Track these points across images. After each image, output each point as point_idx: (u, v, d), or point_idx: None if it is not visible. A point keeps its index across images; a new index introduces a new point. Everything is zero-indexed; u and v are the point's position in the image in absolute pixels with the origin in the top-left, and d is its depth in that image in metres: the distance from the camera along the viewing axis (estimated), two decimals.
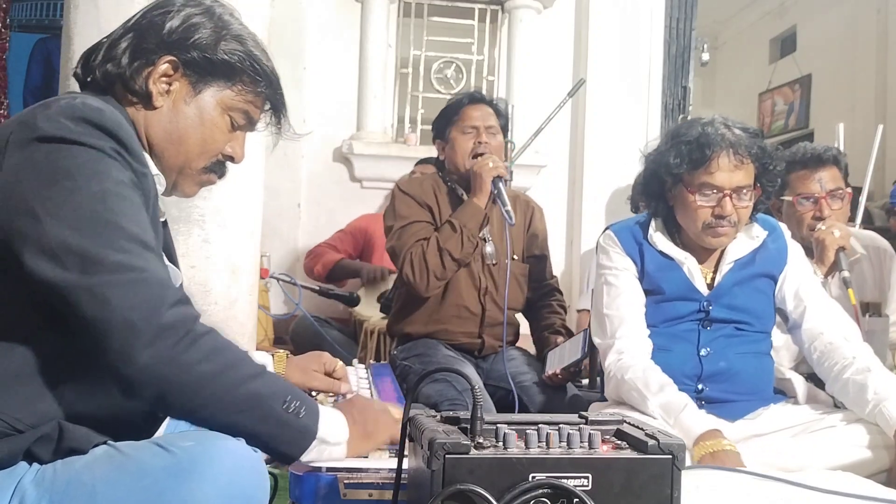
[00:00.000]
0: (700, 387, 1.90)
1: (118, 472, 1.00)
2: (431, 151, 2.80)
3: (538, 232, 2.76)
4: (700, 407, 1.86)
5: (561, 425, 1.04)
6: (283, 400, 1.13)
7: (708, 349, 1.92)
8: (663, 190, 1.97)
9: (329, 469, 1.18)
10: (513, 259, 2.58)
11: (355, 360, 1.89)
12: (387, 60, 4.37)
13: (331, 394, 1.59)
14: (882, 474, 1.69)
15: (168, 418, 1.26)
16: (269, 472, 1.09)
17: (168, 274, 1.12)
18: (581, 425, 1.06)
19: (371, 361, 2.32)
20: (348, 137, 4.26)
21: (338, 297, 3.59)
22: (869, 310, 2.23)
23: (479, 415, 1.03)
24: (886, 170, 6.32)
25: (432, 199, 2.58)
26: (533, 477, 0.97)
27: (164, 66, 1.22)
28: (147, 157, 1.22)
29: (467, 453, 0.97)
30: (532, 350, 2.75)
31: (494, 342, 2.57)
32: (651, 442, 1.00)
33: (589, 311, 3.27)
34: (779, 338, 2.09)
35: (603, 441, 1.04)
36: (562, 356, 2.44)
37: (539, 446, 1.00)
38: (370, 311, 3.46)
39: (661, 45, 4.49)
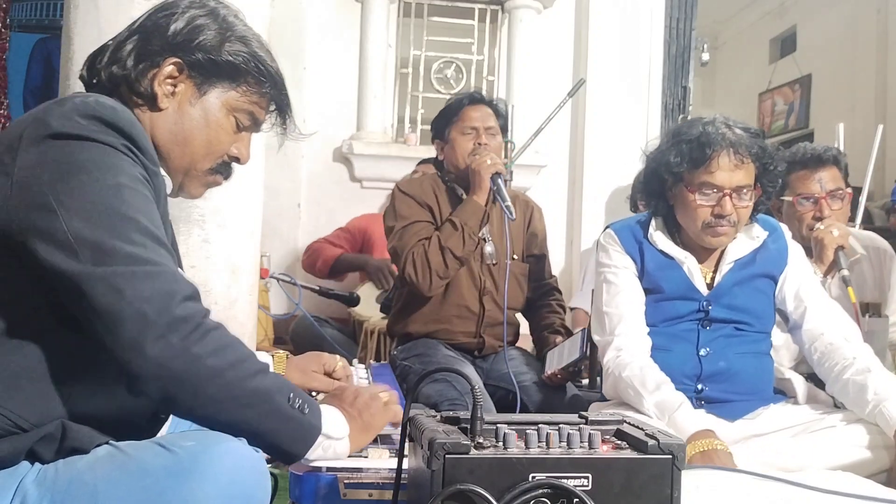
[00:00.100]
0: (700, 387, 1.90)
1: (119, 471, 1.00)
2: (431, 151, 2.80)
3: (538, 231, 2.76)
4: (700, 407, 1.86)
5: (561, 425, 1.05)
6: (288, 396, 1.13)
7: (707, 349, 1.92)
8: (664, 189, 1.97)
9: (329, 469, 1.19)
10: (512, 259, 2.58)
11: (355, 360, 1.89)
12: (387, 60, 4.37)
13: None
14: (882, 474, 1.70)
15: (170, 419, 1.27)
16: (270, 472, 1.09)
17: (178, 268, 1.13)
18: (581, 425, 1.06)
19: (371, 361, 2.33)
20: (348, 137, 4.26)
21: (338, 297, 3.59)
22: (869, 310, 2.24)
23: (479, 415, 1.03)
24: (886, 170, 6.32)
25: (432, 199, 2.58)
26: (533, 477, 0.97)
27: (169, 67, 1.23)
28: (156, 157, 1.22)
29: (467, 453, 0.97)
30: (532, 350, 2.75)
31: (494, 342, 2.57)
32: (651, 442, 1.00)
33: (583, 309, 3.28)
34: (779, 338, 2.09)
35: (603, 441, 1.04)
36: (561, 356, 2.44)
37: (539, 446, 1.01)
38: (370, 311, 3.46)
39: (661, 45, 4.49)
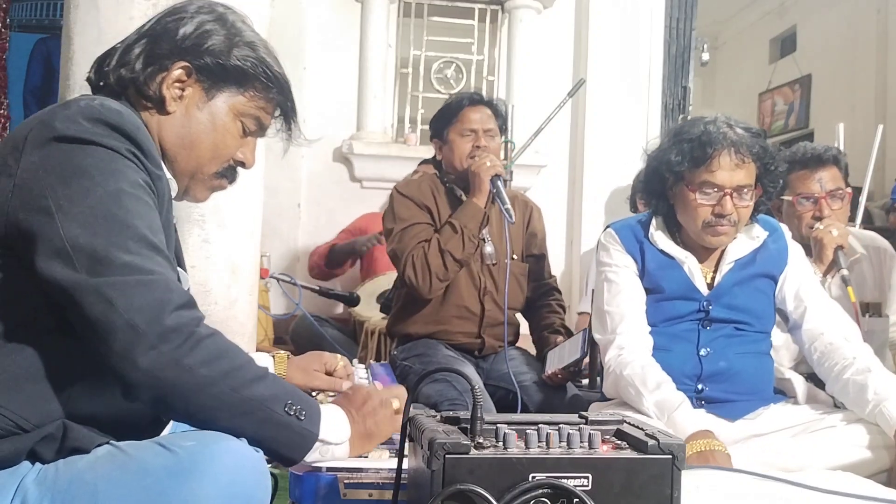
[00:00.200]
0: (700, 387, 1.90)
1: (120, 471, 1.00)
2: (431, 151, 2.80)
3: (537, 231, 2.76)
4: (700, 407, 1.86)
5: (561, 425, 1.04)
6: (285, 403, 1.13)
7: (708, 349, 1.92)
8: (664, 188, 1.97)
9: (329, 469, 1.19)
10: (512, 259, 2.58)
11: (355, 360, 1.89)
12: (387, 60, 4.37)
13: (331, 393, 1.59)
14: (882, 474, 1.70)
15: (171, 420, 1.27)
16: (270, 472, 1.09)
17: (176, 277, 1.13)
18: (581, 425, 1.06)
19: (371, 361, 2.33)
20: (348, 137, 4.26)
21: (338, 297, 3.59)
22: (869, 310, 2.24)
23: (479, 415, 1.03)
24: (886, 170, 6.32)
25: (431, 201, 2.58)
26: (533, 477, 0.97)
27: (177, 71, 1.24)
28: (161, 161, 1.22)
29: (467, 453, 0.97)
30: (532, 350, 2.76)
31: (494, 342, 2.57)
32: (651, 442, 1.00)
33: (589, 314, 3.29)
34: (779, 338, 2.09)
35: (603, 441, 1.04)
36: (561, 356, 2.44)
37: (539, 446, 1.01)
38: (370, 311, 3.46)
39: (661, 45, 4.49)
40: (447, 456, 0.96)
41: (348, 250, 3.82)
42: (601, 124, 4.37)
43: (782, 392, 2.00)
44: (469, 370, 2.41)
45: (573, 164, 4.50)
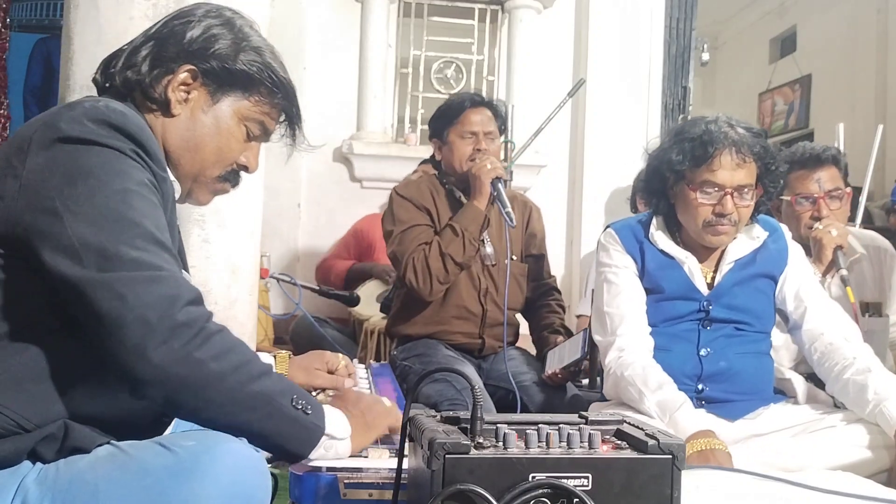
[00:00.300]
0: (700, 387, 1.90)
1: (120, 471, 1.00)
2: (431, 151, 2.79)
3: (536, 231, 2.76)
4: (700, 407, 1.86)
5: (561, 425, 1.04)
6: (291, 398, 1.14)
7: (708, 349, 1.92)
8: (665, 187, 1.97)
9: (329, 469, 1.19)
10: (511, 259, 2.58)
11: (355, 360, 1.89)
12: (387, 60, 4.37)
13: (330, 394, 1.59)
14: (882, 474, 1.70)
15: (174, 421, 1.27)
16: (270, 472, 1.09)
17: (182, 274, 1.13)
18: (581, 425, 1.06)
19: (371, 361, 2.33)
20: (348, 137, 4.26)
21: (337, 297, 3.59)
22: (869, 310, 2.23)
23: (479, 415, 1.03)
24: (886, 170, 6.32)
25: (430, 202, 2.58)
26: (533, 477, 0.97)
27: (183, 74, 1.24)
28: (165, 162, 1.23)
29: (467, 453, 0.97)
30: (532, 350, 2.75)
31: (495, 342, 2.57)
32: (651, 442, 1.00)
33: (588, 316, 3.29)
34: (779, 338, 2.09)
35: (603, 441, 1.04)
36: (561, 356, 2.44)
37: (539, 446, 1.01)
38: (370, 311, 3.46)
39: (661, 45, 4.49)
40: (447, 456, 0.96)
41: (366, 273, 3.80)
42: (601, 124, 4.36)
43: (782, 392, 2.00)
44: (469, 370, 2.41)
45: (573, 164, 4.50)
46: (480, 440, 1.02)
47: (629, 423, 1.10)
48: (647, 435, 1.03)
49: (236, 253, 2.26)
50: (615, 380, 1.88)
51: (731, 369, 1.91)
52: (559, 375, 2.40)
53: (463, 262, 2.45)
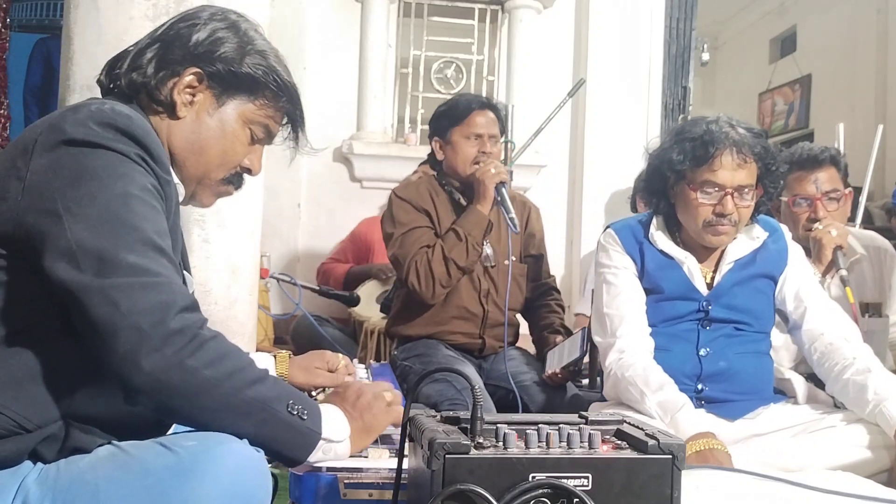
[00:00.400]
0: (700, 387, 1.90)
1: (121, 471, 1.00)
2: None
3: (535, 231, 2.76)
4: (700, 407, 1.86)
5: (561, 425, 1.05)
6: (287, 403, 1.13)
7: (707, 349, 1.92)
8: (665, 187, 1.97)
9: (329, 469, 1.19)
10: (511, 260, 2.58)
11: (355, 360, 1.89)
12: (387, 60, 4.37)
13: (331, 392, 1.59)
14: (882, 474, 1.70)
15: None
16: (270, 472, 1.09)
17: (180, 280, 1.13)
18: (581, 425, 1.06)
19: (371, 361, 2.33)
20: (348, 137, 4.26)
21: (338, 297, 3.59)
22: (869, 310, 2.23)
23: (479, 415, 1.04)
24: (886, 170, 6.32)
25: (429, 204, 2.57)
26: (533, 477, 0.97)
27: (189, 77, 1.25)
28: (170, 165, 1.23)
29: (467, 453, 0.97)
30: (532, 350, 2.75)
31: (495, 343, 2.57)
32: (651, 442, 1.00)
33: (585, 315, 3.29)
34: (779, 338, 2.09)
35: (603, 441, 1.04)
36: (561, 355, 2.44)
37: (539, 446, 1.01)
38: (370, 311, 3.46)
39: (661, 45, 4.49)
40: (447, 456, 0.96)
41: (364, 274, 3.80)
42: (601, 124, 4.36)
43: (782, 392, 2.00)
44: (469, 370, 2.42)
45: (573, 164, 4.50)
46: (480, 440, 1.02)
47: (629, 423, 1.10)
48: (647, 435, 1.03)
49: (236, 253, 2.26)
50: (615, 381, 1.88)
51: (731, 369, 1.91)
52: (559, 375, 2.40)
53: (466, 267, 2.46)
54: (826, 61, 7.78)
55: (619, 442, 1.06)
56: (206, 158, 1.28)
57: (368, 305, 3.50)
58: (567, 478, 0.97)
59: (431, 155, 2.72)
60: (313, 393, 1.60)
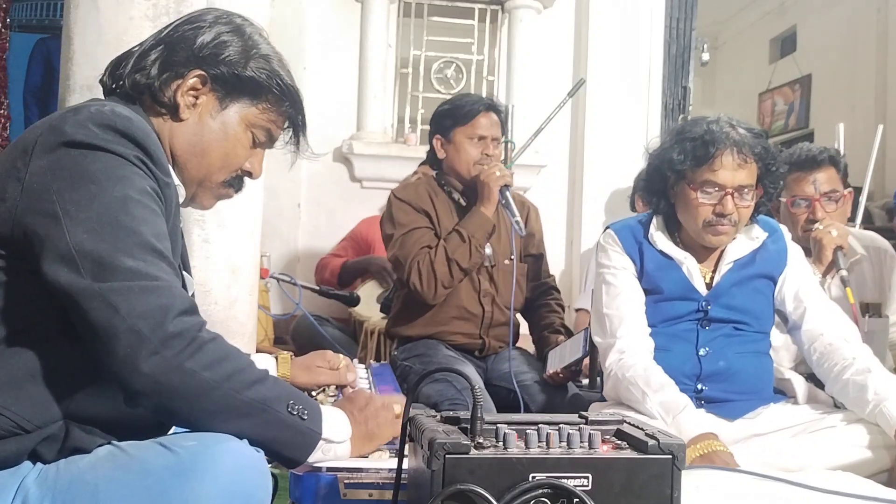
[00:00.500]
0: (699, 386, 1.90)
1: (121, 471, 1.00)
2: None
3: (534, 231, 2.76)
4: (700, 407, 1.86)
5: (561, 425, 1.05)
6: (287, 403, 1.14)
7: (707, 349, 1.92)
8: (665, 187, 1.97)
9: (329, 469, 1.19)
10: (511, 259, 2.58)
11: (355, 360, 1.89)
12: (387, 60, 4.37)
13: (331, 394, 1.59)
14: (882, 474, 1.70)
15: None
16: (270, 472, 1.09)
17: (179, 283, 1.13)
18: (581, 425, 1.06)
19: (371, 361, 2.33)
20: (348, 137, 4.26)
21: (338, 296, 3.59)
22: (869, 310, 2.23)
23: (479, 415, 1.04)
24: (886, 170, 6.32)
25: (429, 205, 2.57)
26: (533, 477, 0.97)
27: (192, 79, 1.25)
28: (170, 167, 1.23)
29: (467, 453, 0.97)
30: (532, 350, 2.75)
31: (495, 343, 2.57)
32: (651, 442, 1.00)
33: (587, 310, 3.29)
34: (778, 338, 2.09)
35: (603, 441, 1.04)
36: (562, 355, 2.44)
37: (539, 446, 1.01)
38: (370, 311, 3.46)
39: (661, 45, 4.48)
40: (447, 456, 0.96)
41: (361, 269, 3.80)
42: (601, 124, 4.36)
43: (782, 392, 2.00)
44: (469, 370, 2.42)
45: (573, 164, 4.50)
46: (480, 440, 1.02)
47: (629, 423, 1.10)
48: (647, 435, 1.03)
49: (236, 253, 2.26)
50: (616, 381, 1.88)
51: (730, 369, 1.91)
52: (560, 375, 2.40)
53: (468, 268, 2.46)
54: (826, 61, 7.78)
55: (619, 442, 1.06)
56: (208, 161, 1.28)
57: (368, 305, 3.50)
58: (567, 478, 0.97)
59: (431, 153, 2.71)
60: (314, 392, 1.60)
